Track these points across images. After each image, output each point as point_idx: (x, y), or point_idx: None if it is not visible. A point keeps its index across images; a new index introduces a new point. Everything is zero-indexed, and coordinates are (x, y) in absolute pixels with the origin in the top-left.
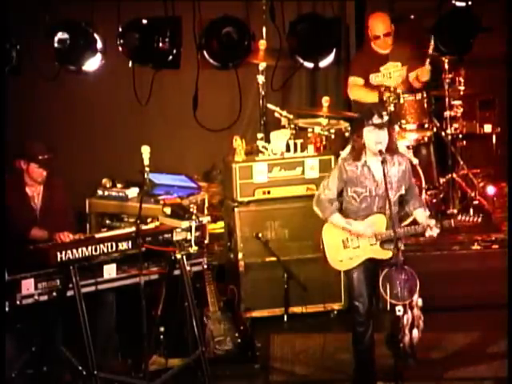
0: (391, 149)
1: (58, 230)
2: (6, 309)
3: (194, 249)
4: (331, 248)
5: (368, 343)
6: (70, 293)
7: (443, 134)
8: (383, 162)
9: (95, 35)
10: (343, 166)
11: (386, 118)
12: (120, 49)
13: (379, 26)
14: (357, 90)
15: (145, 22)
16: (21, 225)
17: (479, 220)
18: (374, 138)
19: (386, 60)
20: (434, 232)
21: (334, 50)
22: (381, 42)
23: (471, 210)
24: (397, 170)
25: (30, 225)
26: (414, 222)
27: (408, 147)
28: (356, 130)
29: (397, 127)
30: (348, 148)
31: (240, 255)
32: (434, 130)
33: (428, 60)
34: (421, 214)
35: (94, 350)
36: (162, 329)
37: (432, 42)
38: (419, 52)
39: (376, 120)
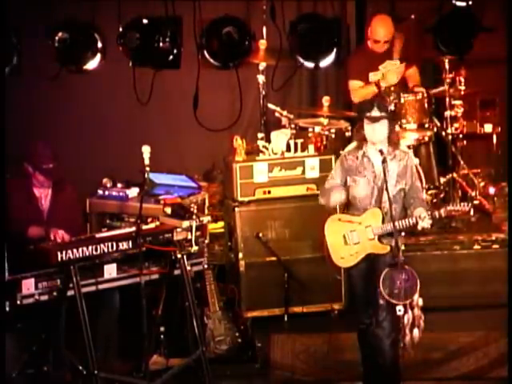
0: (393, 142)
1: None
2: (7, 308)
3: (194, 249)
4: (333, 245)
5: (371, 339)
6: (70, 292)
7: (444, 133)
8: (383, 161)
9: (96, 35)
10: (344, 155)
11: (385, 111)
12: (120, 49)
13: (381, 31)
14: (358, 92)
15: (145, 21)
16: (25, 225)
17: (468, 208)
18: (372, 130)
19: (385, 58)
20: (425, 223)
21: (335, 50)
22: (379, 45)
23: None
24: (397, 165)
25: (35, 225)
26: None
27: (408, 147)
28: (357, 121)
29: (397, 127)
30: (349, 147)
31: (240, 255)
32: (435, 129)
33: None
34: (419, 212)
35: (95, 349)
36: (162, 329)
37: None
38: (419, 52)
39: (375, 112)
